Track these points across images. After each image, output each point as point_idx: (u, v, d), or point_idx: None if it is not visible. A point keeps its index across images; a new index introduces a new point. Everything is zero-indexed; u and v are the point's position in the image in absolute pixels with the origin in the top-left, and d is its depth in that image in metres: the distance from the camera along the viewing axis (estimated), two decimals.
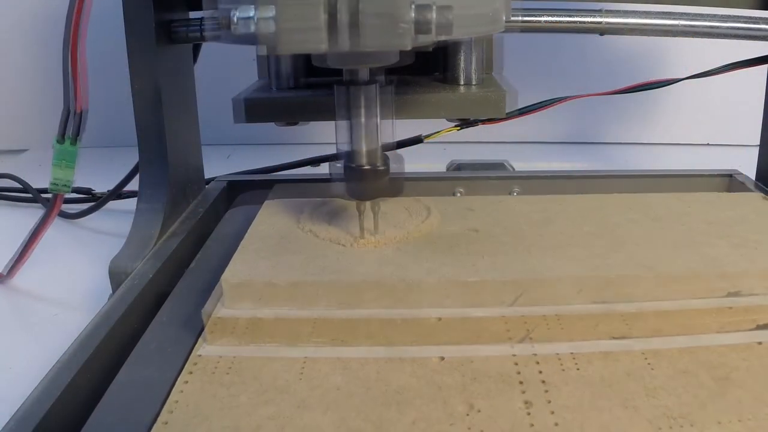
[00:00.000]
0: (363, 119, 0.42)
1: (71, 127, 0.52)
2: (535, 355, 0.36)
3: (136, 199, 0.56)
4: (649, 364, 0.35)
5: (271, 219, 0.49)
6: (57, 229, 0.69)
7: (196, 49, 0.63)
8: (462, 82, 0.56)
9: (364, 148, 0.43)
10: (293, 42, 0.33)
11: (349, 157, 0.43)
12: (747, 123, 0.75)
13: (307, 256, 0.43)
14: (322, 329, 0.38)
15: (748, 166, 0.65)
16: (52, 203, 0.54)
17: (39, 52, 0.98)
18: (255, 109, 0.55)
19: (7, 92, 1.02)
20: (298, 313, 0.38)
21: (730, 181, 0.63)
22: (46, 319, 0.53)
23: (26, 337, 0.51)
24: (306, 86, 0.57)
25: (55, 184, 0.53)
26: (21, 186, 0.80)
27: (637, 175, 0.65)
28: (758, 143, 0.64)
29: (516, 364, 0.35)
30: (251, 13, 0.33)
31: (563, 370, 0.34)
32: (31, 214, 0.57)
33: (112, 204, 0.73)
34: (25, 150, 1.04)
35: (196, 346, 0.38)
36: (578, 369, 0.34)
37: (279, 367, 0.36)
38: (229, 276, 0.40)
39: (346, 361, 0.36)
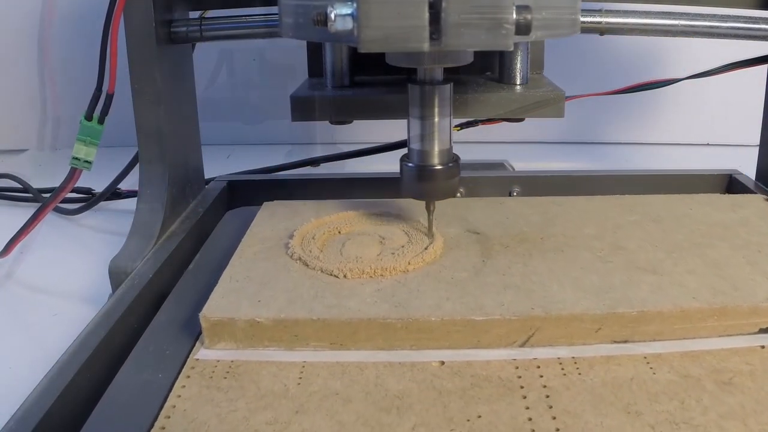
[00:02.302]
0: (437, 119, 0.42)
1: (100, 107, 0.52)
2: (536, 359, 0.35)
3: (135, 198, 0.55)
4: (651, 368, 0.34)
5: (257, 245, 0.46)
6: (55, 226, 0.70)
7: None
8: (518, 82, 0.56)
9: (437, 148, 0.42)
10: (395, 40, 0.33)
11: (420, 156, 0.43)
12: (747, 123, 0.74)
13: (295, 288, 0.40)
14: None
15: (747, 165, 0.64)
16: (69, 178, 0.53)
17: (39, 53, 0.97)
18: (302, 107, 0.54)
19: (7, 92, 1.01)
20: (283, 356, 0.36)
21: (730, 181, 0.63)
22: (45, 318, 0.52)
23: (25, 337, 0.51)
24: (359, 84, 0.57)
25: (77, 159, 0.52)
26: (21, 186, 0.79)
27: (637, 174, 0.64)
28: (758, 143, 0.63)
29: (516, 368, 0.34)
30: (350, 10, 0.33)
31: (564, 374, 0.34)
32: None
33: (112, 204, 0.72)
34: (25, 150, 1.03)
35: (194, 350, 0.37)
36: (579, 374, 0.33)
37: (277, 372, 0.35)
38: (208, 312, 0.37)
39: (345, 365, 0.35)
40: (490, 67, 0.60)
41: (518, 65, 0.55)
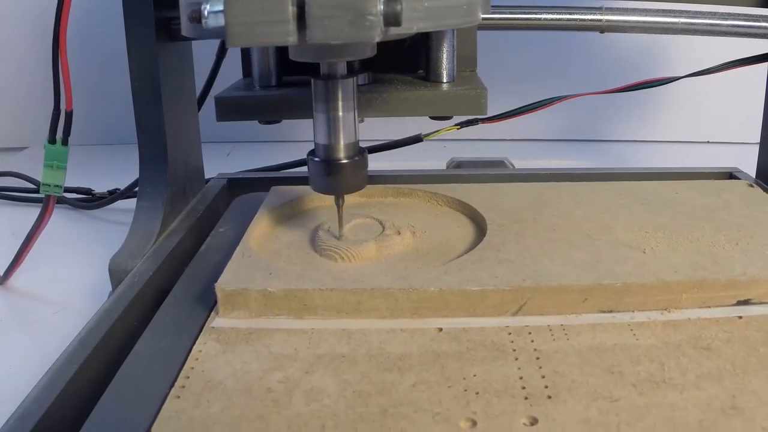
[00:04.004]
0: (341, 113, 0.44)
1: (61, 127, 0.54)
2: (527, 326, 0.40)
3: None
4: (634, 335, 0.39)
5: (267, 224, 0.52)
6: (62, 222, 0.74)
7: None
8: (445, 80, 0.57)
9: (342, 142, 0.45)
10: (260, 35, 0.34)
11: (326, 150, 0.45)
12: (747, 121, 0.78)
13: (303, 265, 0.45)
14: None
15: (747, 164, 0.68)
16: (45, 207, 0.56)
17: (39, 52, 0.97)
18: (226, 107, 0.57)
19: (7, 91, 1.05)
20: (293, 324, 0.41)
21: (729, 179, 0.65)
22: (45, 317, 0.56)
23: (26, 335, 0.54)
24: (287, 84, 0.59)
25: (47, 185, 0.55)
26: (26, 182, 0.83)
27: (636, 172, 0.68)
28: (758, 141, 0.67)
29: (509, 334, 0.40)
30: (221, 7, 0.34)
31: (554, 340, 0.39)
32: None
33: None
34: (25, 147, 1.06)
35: (209, 319, 0.42)
36: (568, 339, 0.39)
37: (288, 338, 0.40)
38: (223, 283, 0.42)
39: (351, 332, 0.40)
40: (422, 66, 0.61)
41: (444, 63, 0.57)
